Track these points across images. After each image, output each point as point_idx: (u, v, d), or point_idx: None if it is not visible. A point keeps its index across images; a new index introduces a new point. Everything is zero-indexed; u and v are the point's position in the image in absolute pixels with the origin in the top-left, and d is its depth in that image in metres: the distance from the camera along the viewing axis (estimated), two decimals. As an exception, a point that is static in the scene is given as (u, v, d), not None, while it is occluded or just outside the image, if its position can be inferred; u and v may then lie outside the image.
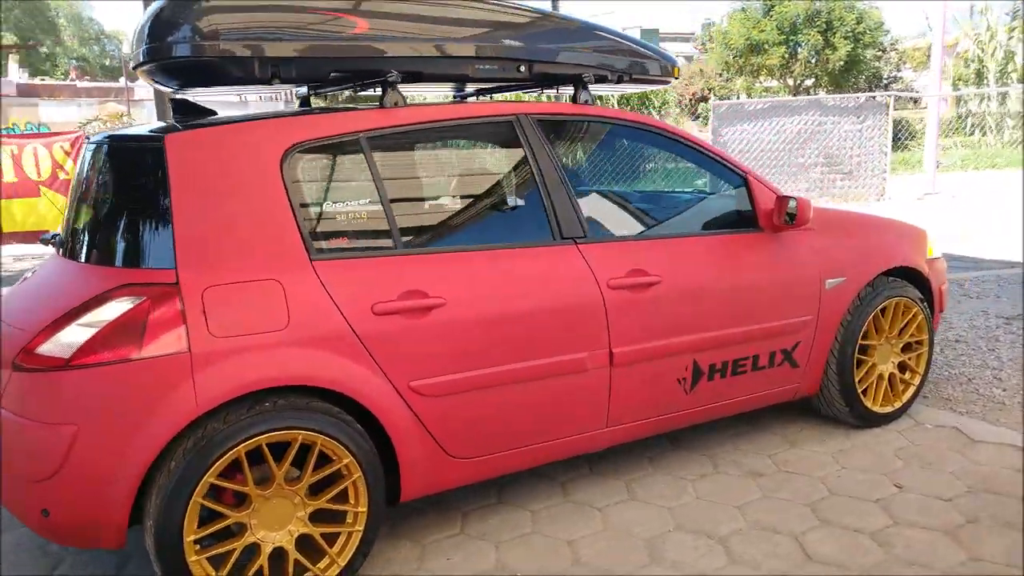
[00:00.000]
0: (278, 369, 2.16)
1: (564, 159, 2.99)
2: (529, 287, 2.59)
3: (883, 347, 3.52)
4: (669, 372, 2.93)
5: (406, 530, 2.79)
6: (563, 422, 2.73)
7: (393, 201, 2.48)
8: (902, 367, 3.62)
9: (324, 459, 2.29)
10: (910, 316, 3.55)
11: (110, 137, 2.45)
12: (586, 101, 2.97)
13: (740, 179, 3.17)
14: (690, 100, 28.25)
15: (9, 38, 35.73)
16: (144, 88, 33.77)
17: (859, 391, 3.42)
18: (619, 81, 3.25)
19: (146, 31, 2.42)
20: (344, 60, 2.56)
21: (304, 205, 2.35)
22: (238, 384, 2.10)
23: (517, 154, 2.75)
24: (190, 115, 2.69)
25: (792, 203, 3.02)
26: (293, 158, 2.34)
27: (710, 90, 28.11)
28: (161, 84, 2.66)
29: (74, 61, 40.92)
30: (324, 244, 2.35)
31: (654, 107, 17.59)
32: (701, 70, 29.42)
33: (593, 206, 3.05)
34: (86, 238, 2.37)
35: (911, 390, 3.62)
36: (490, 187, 2.79)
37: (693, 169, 3.31)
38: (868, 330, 3.43)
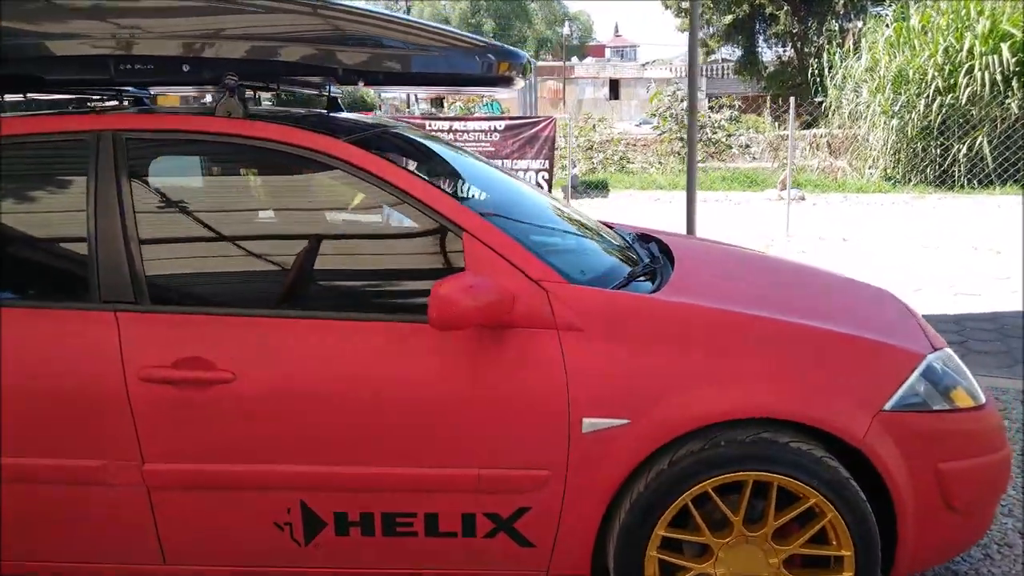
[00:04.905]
0: None
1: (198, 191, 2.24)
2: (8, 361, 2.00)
3: (739, 551, 1.99)
4: (258, 512, 2.04)
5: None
6: (91, 544, 2.10)
7: None
8: (795, 593, 2.01)
9: None
10: (804, 508, 1.94)
11: None
12: (230, 113, 2.15)
13: (456, 236, 2.02)
14: None
15: (489, 24, 41.24)
16: (583, 68, 36.16)
17: (662, 613, 1.99)
18: (368, 82, 2.31)
19: None
20: None
21: None
22: None
23: (80, 185, 2.11)
24: None
25: (443, 291, 1.83)
26: None
27: None
28: None
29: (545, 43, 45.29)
30: None
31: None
32: None
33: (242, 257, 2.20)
34: None
35: (809, 636, 1.99)
36: (12, 229, 2.16)
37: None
38: (692, 517, 1.96)
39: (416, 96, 25.98)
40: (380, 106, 25.90)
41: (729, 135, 16.85)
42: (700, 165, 16.19)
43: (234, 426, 1.98)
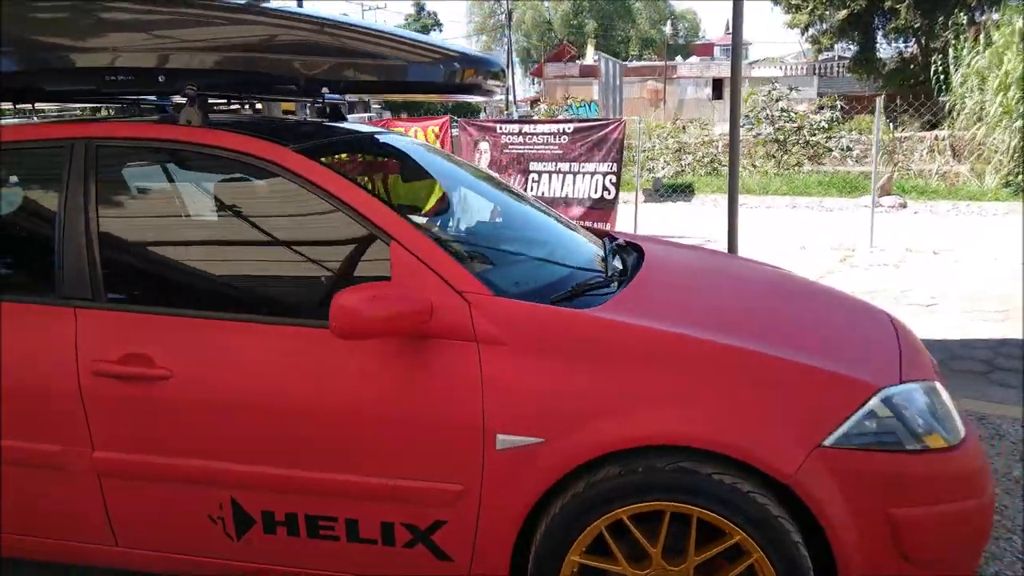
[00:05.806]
0: None
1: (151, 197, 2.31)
2: None
3: (658, 583, 1.88)
4: (193, 504, 2.10)
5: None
6: (50, 521, 2.23)
7: None
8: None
9: None
10: (728, 545, 1.81)
11: None
12: (189, 121, 2.21)
13: (384, 244, 2.01)
14: None
15: (591, 25, 40.97)
16: (686, 67, 35.23)
17: (576, 643, 1.90)
18: (333, 90, 2.34)
19: None
20: None
21: None
22: None
23: (55, 189, 2.22)
24: None
25: (344, 301, 1.81)
26: None
27: None
28: None
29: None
30: None
31: None
32: None
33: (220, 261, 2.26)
34: None
35: None
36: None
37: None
38: (607, 542, 1.87)
39: (515, 100, 26.25)
40: (485, 108, 26.32)
41: (829, 137, 16.02)
42: (799, 169, 15.49)
43: (169, 421, 2.05)
